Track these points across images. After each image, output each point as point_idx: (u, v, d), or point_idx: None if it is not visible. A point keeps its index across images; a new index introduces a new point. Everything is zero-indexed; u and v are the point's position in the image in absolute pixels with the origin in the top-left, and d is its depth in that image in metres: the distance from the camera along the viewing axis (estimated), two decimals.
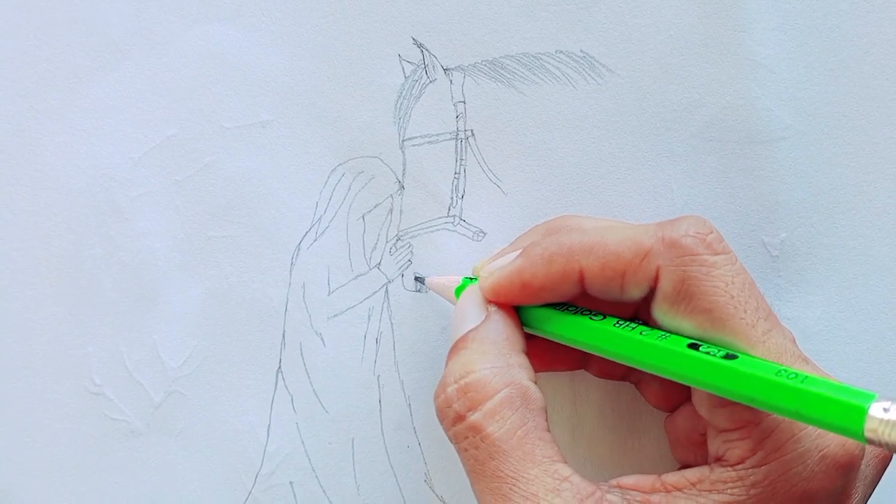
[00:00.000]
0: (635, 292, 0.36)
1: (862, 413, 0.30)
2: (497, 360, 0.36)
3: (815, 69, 0.42)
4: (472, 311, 0.38)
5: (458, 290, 0.40)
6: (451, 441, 0.36)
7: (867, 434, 0.30)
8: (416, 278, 0.42)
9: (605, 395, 0.43)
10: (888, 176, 0.43)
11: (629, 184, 0.42)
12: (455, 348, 0.37)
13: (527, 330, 0.38)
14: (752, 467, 0.34)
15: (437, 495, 0.43)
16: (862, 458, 0.35)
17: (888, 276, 0.43)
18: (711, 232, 0.35)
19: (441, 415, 0.36)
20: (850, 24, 0.42)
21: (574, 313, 0.37)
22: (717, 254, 0.35)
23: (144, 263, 0.43)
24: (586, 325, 0.36)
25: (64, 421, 0.43)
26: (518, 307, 0.38)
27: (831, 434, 0.34)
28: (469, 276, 0.41)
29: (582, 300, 0.37)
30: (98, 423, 0.43)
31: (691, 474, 0.35)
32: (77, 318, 0.43)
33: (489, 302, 0.38)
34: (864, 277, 0.43)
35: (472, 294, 0.38)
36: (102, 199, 0.43)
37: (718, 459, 0.35)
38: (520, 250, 0.38)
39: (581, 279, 0.36)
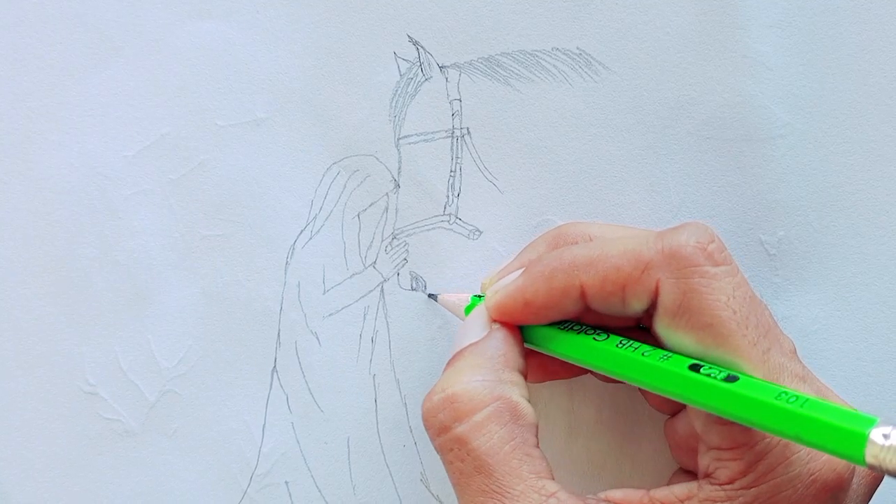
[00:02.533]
0: (637, 306, 0.35)
1: (862, 439, 0.30)
2: (489, 374, 0.36)
3: (812, 66, 0.42)
4: (474, 328, 0.38)
5: (468, 309, 0.40)
6: (436, 452, 0.36)
7: (868, 460, 0.30)
8: (430, 295, 0.42)
9: (602, 397, 0.43)
10: (886, 174, 0.42)
11: (626, 181, 0.42)
12: (450, 361, 0.37)
13: (531, 348, 0.38)
14: (742, 489, 0.34)
15: (433, 494, 0.43)
16: (852, 479, 0.35)
17: (886, 275, 0.43)
18: (713, 241, 0.35)
19: (427, 424, 0.36)
20: (848, 21, 0.42)
21: (577, 332, 0.37)
22: (718, 265, 0.34)
23: (138, 263, 0.43)
24: (589, 344, 0.36)
25: (58, 421, 0.43)
26: (523, 326, 0.38)
27: (822, 457, 0.34)
28: (478, 293, 0.41)
29: (587, 315, 0.37)
30: (92, 422, 0.43)
31: (680, 490, 0.35)
32: (71, 318, 0.42)
33: (493, 321, 0.38)
34: (862, 276, 0.43)
35: (479, 312, 0.38)
36: (96, 198, 0.42)
37: (708, 476, 0.35)
38: (523, 269, 0.37)
39: (583, 294, 0.36)
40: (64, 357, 0.43)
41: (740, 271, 0.35)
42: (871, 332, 0.43)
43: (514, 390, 0.35)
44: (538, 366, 0.39)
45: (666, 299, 0.35)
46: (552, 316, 0.37)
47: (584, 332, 0.37)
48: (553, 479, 0.34)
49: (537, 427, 0.35)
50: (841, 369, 0.43)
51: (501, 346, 0.37)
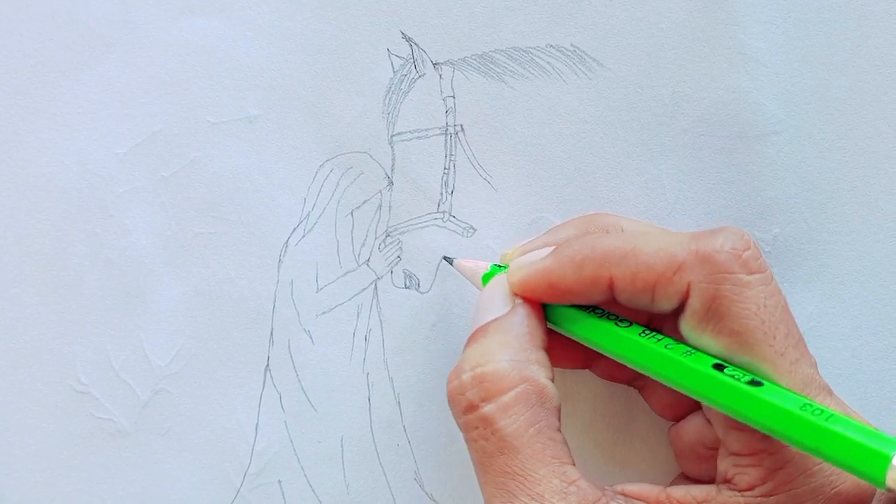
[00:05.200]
0: (665, 305, 0.35)
1: (886, 461, 0.30)
2: (517, 353, 0.35)
3: (807, 63, 0.42)
4: (497, 301, 0.37)
5: (486, 277, 0.39)
6: (459, 429, 0.35)
7: (889, 483, 0.29)
8: (445, 258, 0.42)
9: (596, 394, 0.42)
10: (881, 171, 0.42)
11: (620, 178, 0.42)
12: (475, 335, 0.36)
13: (550, 327, 0.38)
14: (761, 496, 0.33)
15: (426, 493, 0.43)
16: (874, 497, 0.34)
17: (881, 272, 0.42)
18: (749, 248, 0.34)
19: (452, 401, 0.35)
20: (843, 17, 0.42)
21: (600, 317, 0.36)
22: (752, 273, 0.34)
23: (130, 261, 0.42)
24: (612, 331, 0.36)
25: (50, 420, 0.42)
26: (544, 303, 0.37)
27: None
28: (497, 262, 0.40)
29: (608, 304, 0.37)
30: (84, 422, 0.42)
31: (698, 492, 0.34)
32: (62, 317, 0.42)
33: (515, 295, 0.37)
34: (857, 273, 0.42)
35: (499, 284, 0.37)
36: (88, 196, 0.42)
37: (727, 481, 0.34)
38: (551, 248, 0.37)
39: (610, 286, 0.35)
40: (55, 356, 0.42)
41: (774, 280, 0.34)
42: (866, 330, 0.43)
43: (541, 372, 0.35)
44: None
45: (695, 302, 0.34)
46: (575, 300, 0.36)
47: (607, 317, 0.36)
48: (574, 465, 0.34)
49: (560, 410, 0.35)
50: (836, 367, 0.43)
51: (527, 323, 0.36)
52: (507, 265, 0.38)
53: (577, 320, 0.37)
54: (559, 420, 0.35)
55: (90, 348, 0.42)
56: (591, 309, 0.37)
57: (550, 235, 0.39)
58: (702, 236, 0.35)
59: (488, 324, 0.36)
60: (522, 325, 0.36)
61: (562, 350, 0.39)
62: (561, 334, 0.38)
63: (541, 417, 0.34)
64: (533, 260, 0.37)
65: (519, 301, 0.37)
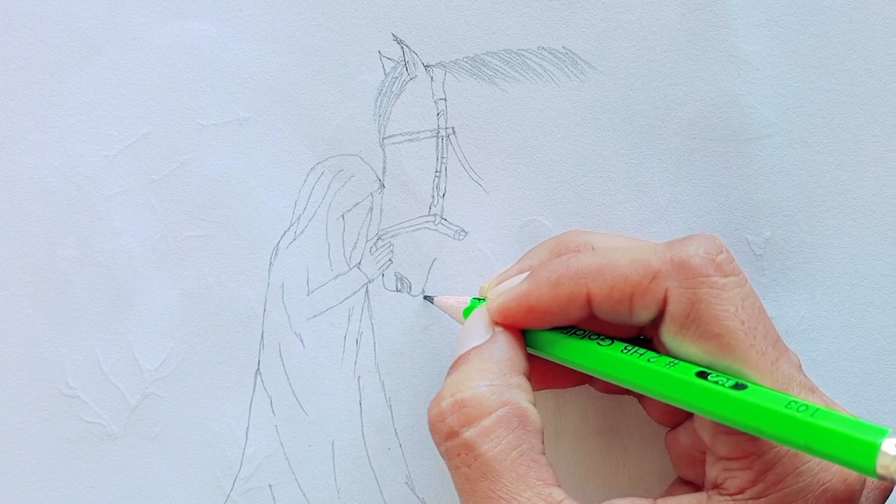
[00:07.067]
0: (644, 315, 0.35)
1: (874, 449, 0.30)
2: (496, 378, 0.35)
3: (799, 66, 0.42)
4: (477, 331, 0.37)
5: (467, 311, 0.39)
6: (442, 457, 0.35)
7: (879, 471, 0.30)
8: (426, 297, 0.42)
9: (589, 400, 0.42)
10: (872, 174, 0.42)
11: (612, 182, 0.42)
12: (455, 364, 0.37)
13: (533, 353, 0.38)
14: (752, 499, 0.33)
15: (418, 498, 0.43)
16: (862, 491, 0.35)
17: (872, 275, 0.43)
18: (721, 252, 0.35)
19: (433, 429, 0.35)
20: (835, 20, 0.42)
21: (581, 337, 0.37)
22: (726, 275, 0.34)
23: (120, 264, 0.42)
24: (594, 350, 0.36)
25: (38, 424, 0.42)
26: (525, 329, 0.37)
27: (833, 468, 0.34)
28: (477, 296, 0.40)
29: (589, 321, 0.37)
30: (73, 426, 0.42)
31: (688, 501, 0.34)
32: (51, 320, 0.42)
33: (496, 323, 0.37)
34: (848, 276, 0.43)
35: (480, 314, 0.38)
36: (76, 199, 0.42)
37: (717, 487, 0.34)
38: (527, 273, 0.37)
39: (589, 302, 0.36)
40: (44, 359, 0.42)
41: (748, 282, 0.35)
42: (857, 333, 0.43)
43: (522, 395, 0.35)
44: (535, 373, 0.39)
45: (674, 309, 0.34)
46: (555, 321, 0.37)
47: (588, 337, 0.37)
48: (559, 486, 0.34)
49: (543, 433, 0.35)
50: (827, 369, 0.43)
51: (507, 349, 0.36)
52: (486, 297, 0.39)
53: (558, 343, 0.37)
54: (542, 443, 0.35)
55: (79, 351, 0.42)
56: (572, 331, 0.37)
57: (524, 262, 0.40)
58: (675, 244, 0.35)
59: (468, 352, 0.37)
60: (502, 351, 0.36)
61: (557, 370, 0.39)
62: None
63: (523, 440, 0.34)
64: (510, 286, 0.37)
65: (499, 329, 0.37)
